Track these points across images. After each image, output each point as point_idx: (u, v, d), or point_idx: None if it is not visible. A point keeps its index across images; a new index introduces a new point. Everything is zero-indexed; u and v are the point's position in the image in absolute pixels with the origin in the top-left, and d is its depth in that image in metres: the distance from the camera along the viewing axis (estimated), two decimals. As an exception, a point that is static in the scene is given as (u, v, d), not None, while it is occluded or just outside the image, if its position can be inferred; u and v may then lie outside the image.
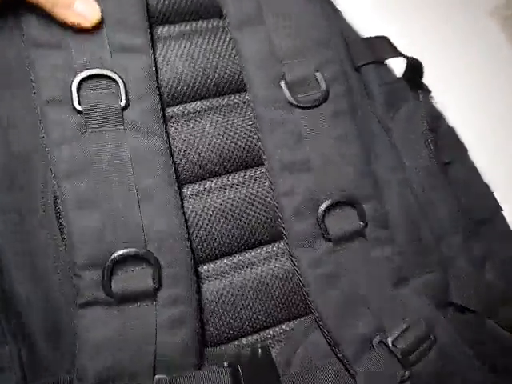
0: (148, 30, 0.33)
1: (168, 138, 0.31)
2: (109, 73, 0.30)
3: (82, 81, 0.30)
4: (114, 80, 0.30)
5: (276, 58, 0.34)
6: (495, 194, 0.39)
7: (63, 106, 0.29)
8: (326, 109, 0.34)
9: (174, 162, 0.31)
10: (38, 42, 0.30)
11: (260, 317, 0.32)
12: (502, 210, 0.37)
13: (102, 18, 0.31)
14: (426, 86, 0.46)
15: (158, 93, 0.32)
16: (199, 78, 0.34)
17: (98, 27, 0.31)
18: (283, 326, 0.33)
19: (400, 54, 0.39)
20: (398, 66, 0.42)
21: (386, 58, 0.39)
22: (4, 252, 0.29)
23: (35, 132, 0.30)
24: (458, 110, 0.48)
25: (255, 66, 0.34)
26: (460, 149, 0.39)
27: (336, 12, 0.39)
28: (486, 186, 0.38)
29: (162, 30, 0.35)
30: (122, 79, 0.30)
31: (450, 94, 0.49)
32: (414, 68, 0.40)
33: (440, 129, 0.38)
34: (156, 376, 0.27)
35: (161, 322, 0.29)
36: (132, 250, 0.28)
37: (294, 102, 0.33)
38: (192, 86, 0.34)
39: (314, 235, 0.31)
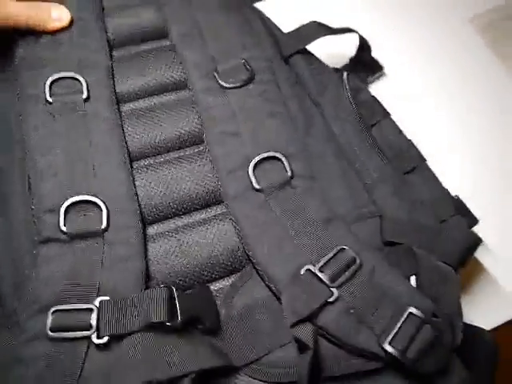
0: (108, 51, 0.42)
1: (122, 126, 0.39)
2: (75, 75, 0.39)
3: (53, 81, 0.39)
4: (78, 80, 0.39)
5: (210, 58, 0.42)
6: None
7: (38, 99, 0.38)
8: (253, 89, 0.41)
9: (126, 143, 0.39)
10: (25, 64, 0.40)
11: (205, 272, 0.36)
12: (425, 160, 0.42)
13: (72, 41, 0.41)
14: (377, 61, 0.53)
15: (113, 91, 0.40)
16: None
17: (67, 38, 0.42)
18: (225, 281, 0.36)
19: (331, 31, 0.46)
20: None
21: (313, 40, 0.46)
22: None
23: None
24: (437, 113, 0.53)
25: (194, 65, 0.42)
26: (382, 113, 0.44)
27: (260, 15, 0.47)
28: (409, 141, 0.43)
29: (117, 53, 0.43)
30: (85, 79, 0.39)
31: (430, 97, 0.53)
32: (363, 45, 0.48)
33: (362, 99, 0.44)
34: (99, 298, 0.31)
35: (107, 259, 0.33)
36: (85, 196, 0.35)
37: (224, 85, 0.41)
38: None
39: (245, 189, 0.37)
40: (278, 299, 0.34)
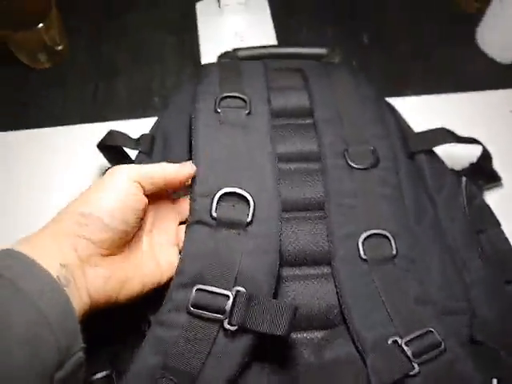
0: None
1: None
2: (241, 95, 0.47)
3: (222, 98, 0.47)
4: (243, 100, 0.47)
5: (343, 141, 0.48)
6: None
7: (209, 108, 0.46)
8: (375, 173, 0.46)
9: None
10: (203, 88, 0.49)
11: (301, 319, 0.39)
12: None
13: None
14: (496, 173, 0.56)
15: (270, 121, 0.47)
16: None
17: None
18: (318, 333, 0.40)
19: (458, 140, 0.51)
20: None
21: (440, 144, 0.51)
22: None
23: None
24: None
25: (329, 144, 0.48)
26: (493, 222, 0.48)
27: (394, 112, 0.54)
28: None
29: (273, 121, 0.50)
30: (249, 99, 0.48)
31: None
32: (486, 156, 0.52)
33: (476, 204, 0.48)
34: (236, 287, 0.35)
35: (247, 249, 0.37)
36: (237, 189, 0.40)
37: (352, 164, 0.46)
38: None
39: (353, 256, 0.41)
40: (362, 359, 0.37)
